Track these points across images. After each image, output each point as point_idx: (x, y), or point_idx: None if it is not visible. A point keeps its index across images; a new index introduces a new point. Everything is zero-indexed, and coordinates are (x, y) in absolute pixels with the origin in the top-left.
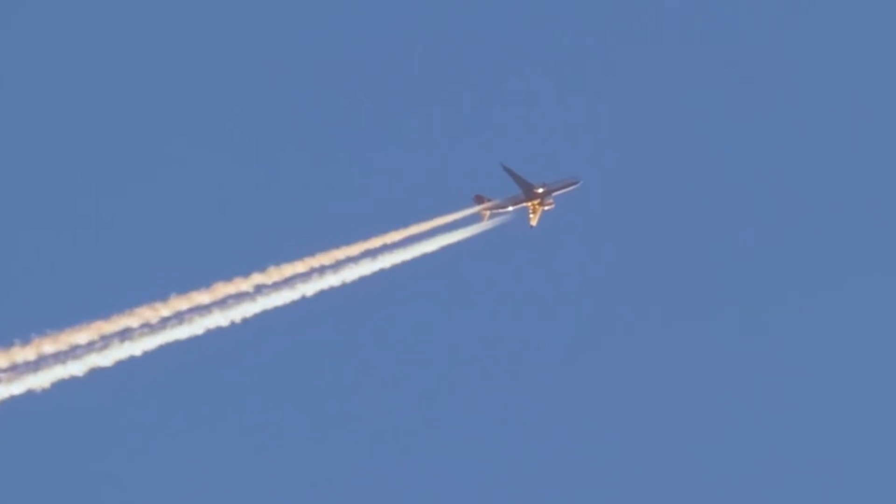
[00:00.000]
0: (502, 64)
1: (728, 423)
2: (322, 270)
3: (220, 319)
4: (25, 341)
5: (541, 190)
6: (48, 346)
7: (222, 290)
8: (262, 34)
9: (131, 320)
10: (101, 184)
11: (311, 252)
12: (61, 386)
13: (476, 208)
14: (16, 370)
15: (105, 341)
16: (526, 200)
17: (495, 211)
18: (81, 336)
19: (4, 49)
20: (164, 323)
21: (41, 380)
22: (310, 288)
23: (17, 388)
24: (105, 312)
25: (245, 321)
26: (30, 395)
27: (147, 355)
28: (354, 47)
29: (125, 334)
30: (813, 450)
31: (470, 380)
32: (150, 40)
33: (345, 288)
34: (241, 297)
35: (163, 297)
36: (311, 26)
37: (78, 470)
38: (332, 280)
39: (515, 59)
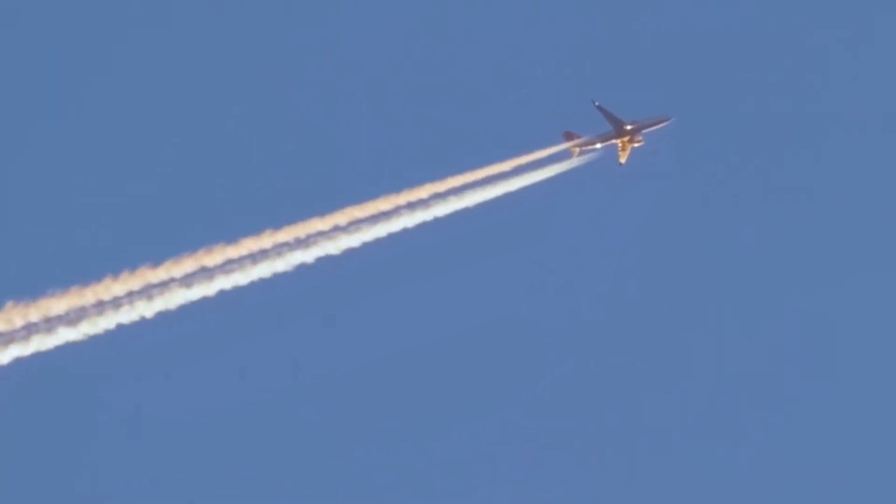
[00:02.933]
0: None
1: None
2: (412, 206)
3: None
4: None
5: (630, 127)
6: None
7: (340, 217)
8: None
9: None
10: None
11: (400, 189)
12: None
13: (565, 145)
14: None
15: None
16: (615, 137)
17: (585, 148)
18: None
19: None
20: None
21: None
22: (401, 224)
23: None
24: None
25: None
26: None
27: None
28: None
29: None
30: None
31: (555, 316)
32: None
33: (436, 222)
34: (357, 223)
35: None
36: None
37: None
38: (422, 216)
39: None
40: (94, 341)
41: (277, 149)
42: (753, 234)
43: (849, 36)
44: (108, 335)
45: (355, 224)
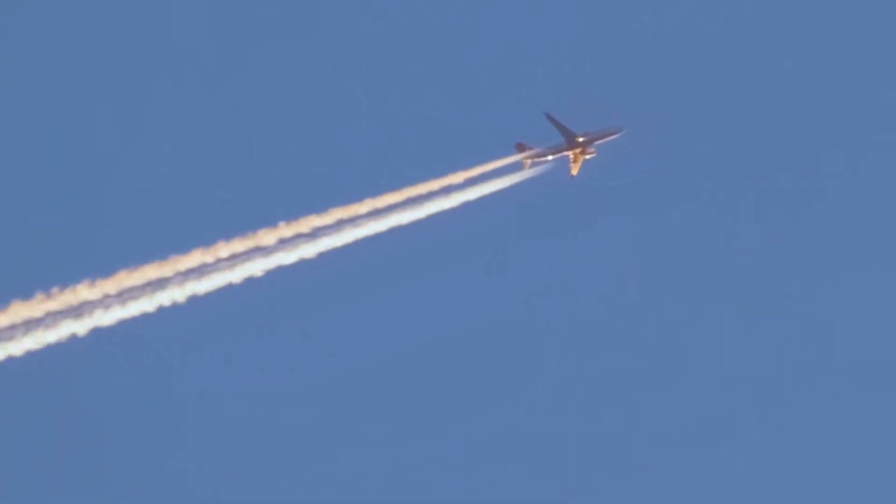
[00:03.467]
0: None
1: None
2: (368, 217)
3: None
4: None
5: (582, 139)
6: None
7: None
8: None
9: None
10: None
11: (356, 199)
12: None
13: (517, 156)
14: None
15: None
16: (567, 149)
17: (536, 160)
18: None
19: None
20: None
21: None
22: (352, 235)
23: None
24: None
25: (316, 257)
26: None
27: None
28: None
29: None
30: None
31: (510, 325)
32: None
33: (389, 233)
34: (298, 238)
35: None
36: None
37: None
38: (376, 226)
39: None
40: None
41: (233, 159)
42: (737, 237)
43: (818, 34)
44: None
45: (297, 238)
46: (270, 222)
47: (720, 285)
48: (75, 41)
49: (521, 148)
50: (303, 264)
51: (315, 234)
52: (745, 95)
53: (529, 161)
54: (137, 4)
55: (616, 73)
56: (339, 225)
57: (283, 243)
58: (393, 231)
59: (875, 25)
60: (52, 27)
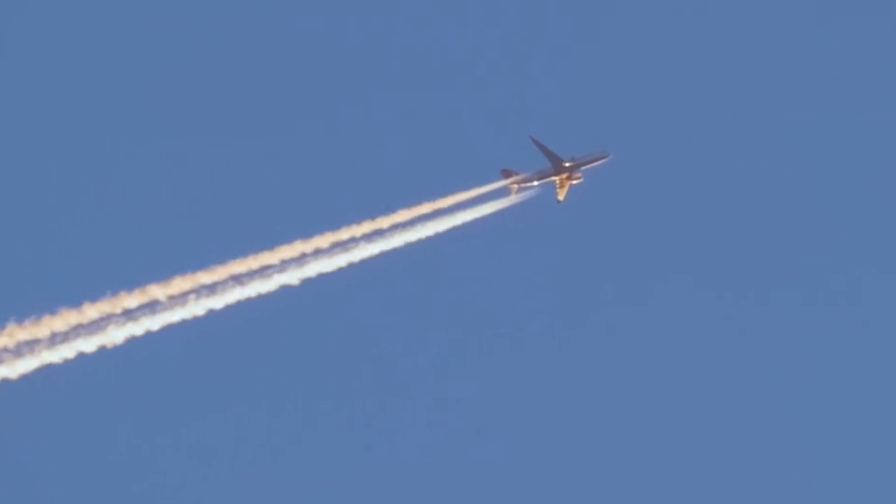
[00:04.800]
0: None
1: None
2: (354, 242)
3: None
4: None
5: (569, 163)
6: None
7: (284, 252)
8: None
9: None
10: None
11: (342, 224)
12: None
13: (503, 182)
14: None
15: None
16: (554, 174)
17: (523, 185)
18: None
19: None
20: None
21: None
22: (338, 261)
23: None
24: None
25: (297, 283)
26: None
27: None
28: (369, 24)
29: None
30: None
31: (495, 354)
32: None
33: (373, 260)
34: (291, 261)
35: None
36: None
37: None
38: (362, 252)
39: (543, 32)
40: None
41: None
42: (731, 239)
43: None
44: None
45: (290, 262)
46: (245, 252)
47: (711, 287)
48: (73, 43)
49: (506, 174)
50: (285, 290)
51: (300, 259)
52: (734, 107)
53: (516, 186)
54: (140, 6)
55: (605, 96)
56: (320, 252)
57: (261, 271)
58: (379, 257)
59: (876, 26)
60: (52, 27)
